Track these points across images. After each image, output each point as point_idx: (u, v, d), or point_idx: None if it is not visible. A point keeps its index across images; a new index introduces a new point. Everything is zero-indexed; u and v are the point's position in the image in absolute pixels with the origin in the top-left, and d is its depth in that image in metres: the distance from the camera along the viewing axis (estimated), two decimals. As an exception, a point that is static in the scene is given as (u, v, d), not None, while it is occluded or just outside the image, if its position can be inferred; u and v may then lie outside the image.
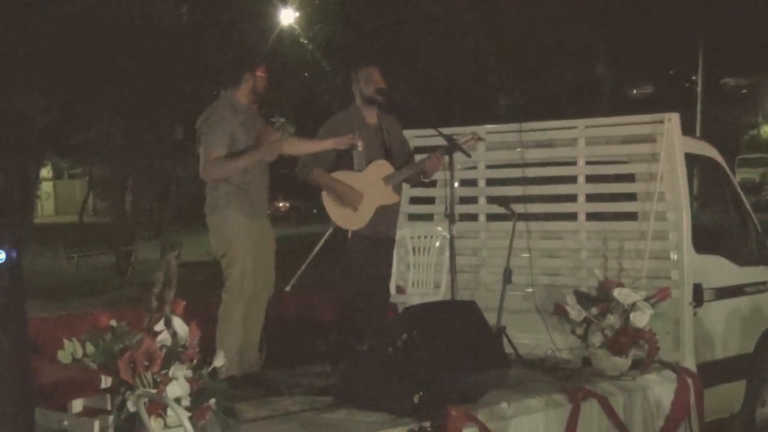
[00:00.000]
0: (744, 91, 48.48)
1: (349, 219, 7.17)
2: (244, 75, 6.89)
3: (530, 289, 8.01)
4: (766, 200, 31.96)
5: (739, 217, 8.83)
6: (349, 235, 7.17)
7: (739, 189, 8.92)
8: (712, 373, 7.72)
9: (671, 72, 43.25)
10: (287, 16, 25.72)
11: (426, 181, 7.57)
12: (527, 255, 8.04)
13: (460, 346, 6.05)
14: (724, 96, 44.64)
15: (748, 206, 8.91)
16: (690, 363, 7.36)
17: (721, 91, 45.05)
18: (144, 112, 23.58)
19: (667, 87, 43.26)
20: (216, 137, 6.70)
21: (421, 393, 5.61)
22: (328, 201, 7.19)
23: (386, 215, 7.30)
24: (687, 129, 8.12)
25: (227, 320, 6.61)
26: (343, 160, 7.21)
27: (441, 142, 7.31)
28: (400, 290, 8.28)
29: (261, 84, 6.94)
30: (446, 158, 7.24)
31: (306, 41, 25.36)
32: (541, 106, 25.00)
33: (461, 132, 7.66)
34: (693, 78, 37.05)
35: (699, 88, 34.57)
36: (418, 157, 7.77)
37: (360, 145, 7.08)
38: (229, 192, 6.74)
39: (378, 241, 7.29)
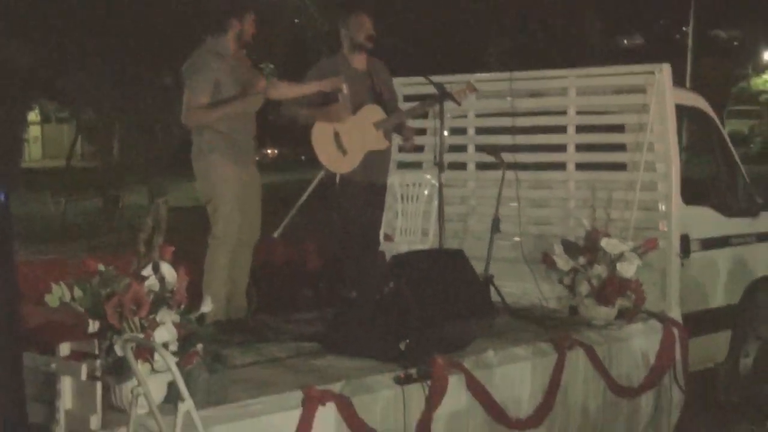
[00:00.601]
0: (735, 43, 48.39)
1: (338, 161, 7.10)
2: (231, 21, 6.82)
3: (518, 239, 8.01)
4: (755, 152, 32.05)
5: (728, 169, 8.84)
6: (338, 181, 7.12)
7: (728, 141, 8.92)
8: (698, 323, 7.77)
9: (661, 23, 43.10)
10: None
11: (407, 145, 7.54)
12: (516, 204, 8.03)
13: (447, 295, 6.07)
14: (714, 47, 44.53)
15: (736, 158, 8.92)
16: (676, 313, 7.40)
17: (712, 42, 44.94)
18: (131, 56, 23.39)
19: (657, 38, 43.15)
20: (198, 84, 6.65)
21: (408, 340, 5.62)
22: (318, 142, 7.10)
23: (377, 161, 7.27)
24: (677, 80, 8.10)
25: (213, 266, 6.60)
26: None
27: (431, 90, 7.28)
28: (388, 238, 8.27)
29: (249, 31, 6.87)
30: (436, 106, 7.21)
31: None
32: (531, 56, 24.90)
33: (452, 80, 7.63)
34: (684, 29, 36.93)
35: (690, 40, 34.48)
36: (408, 105, 7.74)
37: (345, 88, 7.03)
38: (213, 138, 6.70)
39: (368, 187, 7.26)
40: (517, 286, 7.76)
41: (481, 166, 8.53)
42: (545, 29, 28.35)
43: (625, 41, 45.46)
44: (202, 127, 6.70)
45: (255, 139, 6.99)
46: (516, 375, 6.07)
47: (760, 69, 47.26)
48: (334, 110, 7.05)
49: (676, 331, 7.21)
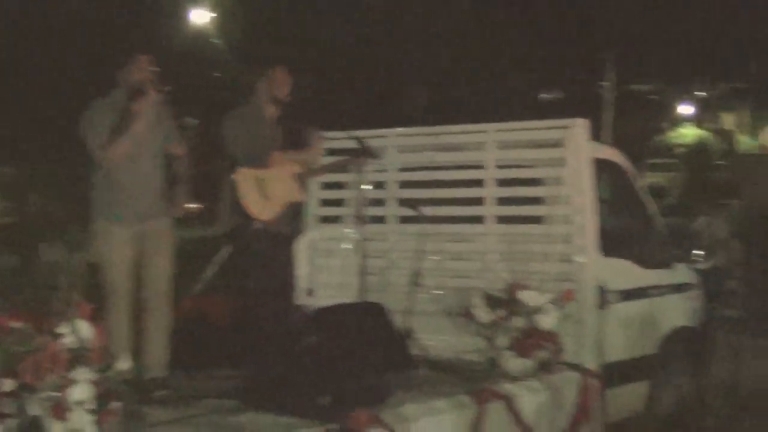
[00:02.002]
0: (653, 96, 49.31)
1: (261, 207, 7.08)
2: (134, 59, 6.65)
3: (439, 292, 8.05)
4: (672, 204, 32.54)
5: (644, 221, 9.00)
6: (253, 228, 7.08)
7: (644, 193, 9.08)
8: (616, 373, 7.86)
9: (581, 78, 43.82)
10: (201, 16, 25.67)
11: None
12: (436, 258, 8.08)
13: (367, 348, 6.08)
14: (633, 102, 45.33)
15: (653, 210, 9.08)
16: (593, 364, 7.48)
17: (631, 96, 45.75)
18: (46, 109, 23.11)
19: (578, 92, 43.83)
20: (93, 126, 6.47)
21: (328, 395, 5.61)
22: (242, 187, 7.07)
23: (288, 213, 7.30)
24: (597, 134, 8.26)
25: (111, 326, 6.38)
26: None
27: (352, 144, 7.34)
28: (309, 292, 8.27)
29: (144, 74, 6.66)
30: (359, 160, 7.28)
31: (218, 41, 25.24)
32: (452, 110, 25.16)
33: (374, 135, 7.69)
34: (602, 83, 37.57)
35: (608, 94, 35.10)
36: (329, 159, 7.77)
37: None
38: (101, 195, 6.54)
39: (281, 237, 7.26)
40: (438, 339, 7.77)
41: (402, 220, 8.58)
42: (467, 83, 28.67)
43: (545, 96, 46.08)
44: (114, 163, 6.46)
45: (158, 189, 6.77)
46: (436, 428, 6.07)
47: (675, 122, 48.23)
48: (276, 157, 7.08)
49: (593, 382, 7.28)
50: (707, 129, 48.35)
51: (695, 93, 49.12)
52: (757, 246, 8.72)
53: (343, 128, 7.63)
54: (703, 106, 49.66)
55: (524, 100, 33.89)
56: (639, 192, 9.02)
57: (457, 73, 27.97)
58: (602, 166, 8.60)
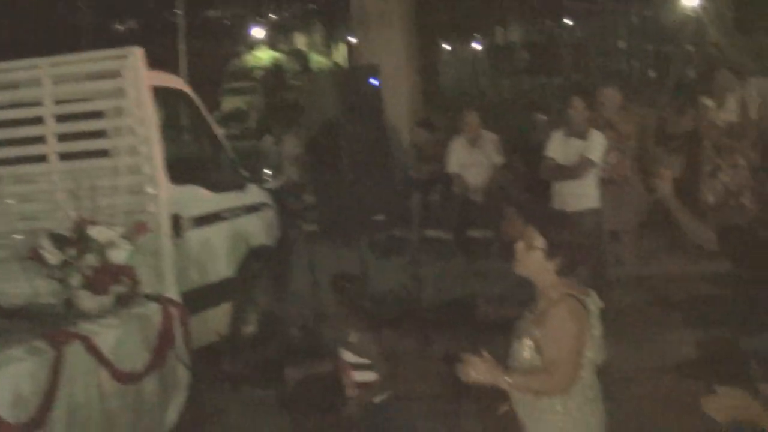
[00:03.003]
0: (226, 21, 49.71)
1: None
2: None
3: (13, 237, 7.71)
4: (251, 127, 33.02)
5: (212, 146, 9.07)
6: None
7: (210, 119, 9.14)
8: (198, 299, 7.92)
9: (152, 7, 43.34)
10: None
11: None
12: (2, 202, 7.73)
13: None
14: (208, 28, 45.47)
15: (220, 135, 9.17)
16: (173, 293, 7.48)
17: (206, 22, 45.85)
18: None
19: (152, 22, 43.29)
20: None
21: None
22: None
23: None
24: (172, 63, 8.18)
25: None
26: None
27: None
28: None
29: None
30: None
31: None
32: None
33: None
34: (175, 11, 37.34)
35: (182, 22, 34.96)
36: None
37: None
38: None
39: None
40: (12, 286, 7.45)
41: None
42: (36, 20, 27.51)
43: (119, 26, 45.26)
44: None
45: None
46: (14, 377, 5.84)
47: (250, 46, 48.98)
48: None
49: (175, 311, 7.29)
50: (281, 50, 49.52)
51: (268, 15, 50.12)
52: (322, 161, 9.05)
53: None
54: (277, 28, 50.81)
55: (101, 35, 33.10)
56: (205, 118, 9.07)
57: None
58: (165, 95, 8.56)
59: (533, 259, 4.56)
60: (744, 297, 6.51)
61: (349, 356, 6.55)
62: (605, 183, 10.30)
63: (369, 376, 6.51)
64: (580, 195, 9.72)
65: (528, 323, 4.58)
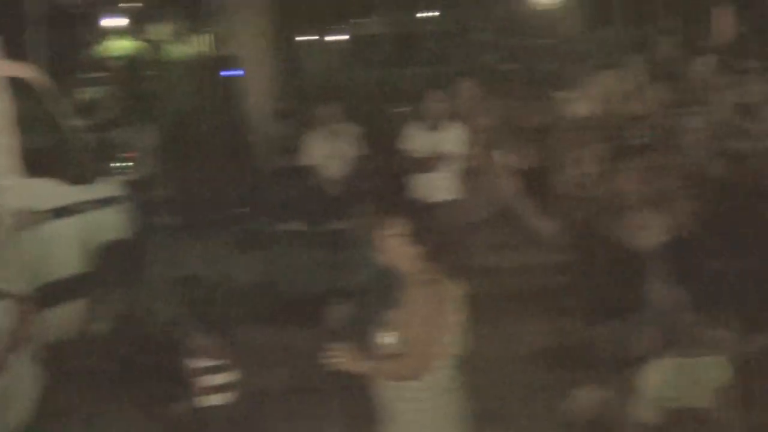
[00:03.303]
0: (81, 10, 48.59)
1: None
2: None
3: None
4: (109, 118, 32.31)
5: (64, 138, 8.87)
6: None
7: (59, 111, 8.93)
8: (50, 295, 7.73)
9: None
10: None
11: None
12: None
13: None
14: (62, 16, 44.41)
15: (72, 126, 8.99)
16: (22, 289, 7.26)
17: (60, 11, 44.79)
18: None
19: (3, 9, 42.10)
20: None
21: None
22: None
23: None
24: (20, 52, 7.97)
25: None
26: None
27: None
28: None
29: None
30: None
31: None
32: None
33: None
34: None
35: (34, 10, 34.05)
36: None
37: None
38: None
39: None
40: None
41: None
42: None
43: None
44: None
45: None
46: None
47: (106, 35, 47.97)
48: None
49: (23, 307, 7.08)
50: (138, 40, 48.67)
51: (125, 4, 49.17)
52: (177, 153, 8.94)
53: None
54: (134, 17, 49.91)
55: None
56: (57, 109, 8.87)
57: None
58: (17, 85, 8.35)
59: (393, 247, 4.60)
60: (591, 286, 6.68)
61: (198, 362, 6.42)
62: (465, 174, 10.40)
63: (223, 378, 6.40)
64: (437, 187, 9.82)
65: (391, 310, 4.61)
